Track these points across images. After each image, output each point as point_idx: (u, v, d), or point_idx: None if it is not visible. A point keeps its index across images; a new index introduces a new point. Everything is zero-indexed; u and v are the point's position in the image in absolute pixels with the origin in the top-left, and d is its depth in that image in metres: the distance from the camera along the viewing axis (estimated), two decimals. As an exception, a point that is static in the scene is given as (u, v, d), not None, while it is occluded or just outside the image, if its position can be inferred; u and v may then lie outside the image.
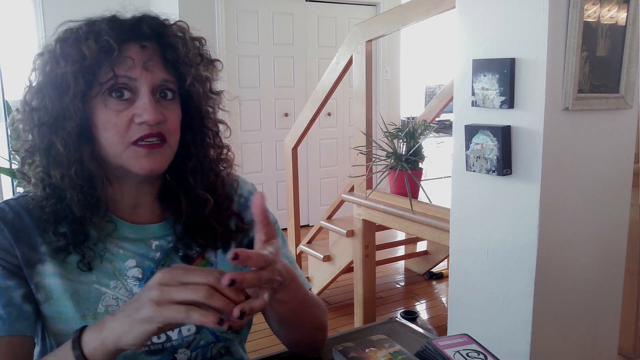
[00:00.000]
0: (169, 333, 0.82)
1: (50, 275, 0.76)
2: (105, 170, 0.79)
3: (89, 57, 0.72)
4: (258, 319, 0.94)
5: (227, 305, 0.58)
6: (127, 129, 0.75)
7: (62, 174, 0.75)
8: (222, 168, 0.90)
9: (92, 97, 0.75)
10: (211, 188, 0.86)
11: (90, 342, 0.63)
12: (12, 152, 0.84)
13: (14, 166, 3.18)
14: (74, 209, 0.76)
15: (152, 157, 0.76)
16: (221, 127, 0.89)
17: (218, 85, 0.88)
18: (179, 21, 0.81)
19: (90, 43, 0.72)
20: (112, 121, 0.74)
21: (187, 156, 0.84)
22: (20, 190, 0.83)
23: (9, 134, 3.15)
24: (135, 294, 0.80)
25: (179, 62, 0.78)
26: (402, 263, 3.86)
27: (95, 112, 0.75)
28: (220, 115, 0.89)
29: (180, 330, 0.82)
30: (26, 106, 0.77)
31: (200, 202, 0.85)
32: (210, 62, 0.84)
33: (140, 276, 0.82)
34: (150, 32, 0.76)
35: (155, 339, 0.80)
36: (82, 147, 0.76)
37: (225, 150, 0.90)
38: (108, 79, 0.73)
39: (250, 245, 0.93)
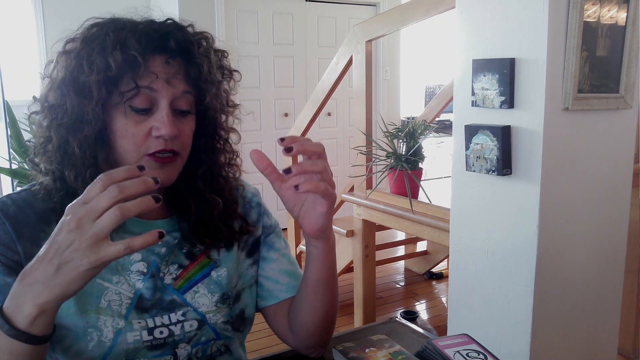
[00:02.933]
0: (171, 328, 0.82)
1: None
2: None
3: (114, 69, 0.73)
4: (259, 319, 0.95)
5: (144, 183, 0.59)
6: (145, 140, 0.76)
7: (76, 174, 0.76)
8: (231, 174, 0.92)
9: (112, 105, 0.75)
10: (219, 192, 0.88)
11: (20, 314, 0.60)
12: (27, 142, 0.85)
13: (14, 166, 3.18)
14: None
15: (163, 171, 0.78)
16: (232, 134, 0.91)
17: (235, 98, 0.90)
18: (204, 32, 0.82)
19: (117, 55, 0.73)
20: (131, 131, 0.75)
21: (198, 162, 0.86)
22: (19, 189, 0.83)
23: (9, 134, 3.15)
24: (138, 289, 0.81)
25: (201, 80, 0.79)
26: (402, 263, 3.86)
27: (114, 119, 0.76)
28: (231, 121, 0.91)
29: (183, 326, 0.83)
30: (45, 102, 0.77)
31: (209, 205, 0.86)
32: (230, 74, 0.86)
33: (145, 270, 0.82)
34: (177, 47, 0.77)
35: (157, 334, 0.81)
36: (98, 152, 0.76)
37: (234, 156, 0.92)
38: (130, 89, 0.74)
39: (255, 245, 0.95)
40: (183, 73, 0.78)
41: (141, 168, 0.61)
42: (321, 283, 0.85)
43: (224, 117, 0.88)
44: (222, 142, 0.89)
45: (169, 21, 0.79)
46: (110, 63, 0.72)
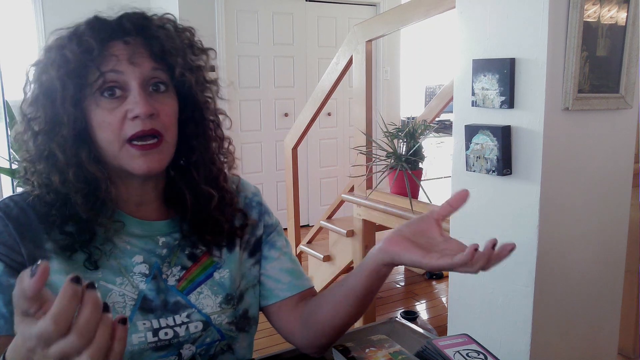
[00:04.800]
0: (176, 329, 0.82)
1: (55, 273, 0.76)
2: (108, 170, 0.79)
3: (73, 60, 0.72)
4: (261, 319, 0.94)
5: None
6: (122, 126, 0.75)
7: (61, 179, 0.75)
8: (224, 160, 0.90)
9: (84, 99, 0.75)
10: (214, 182, 0.87)
11: None
12: (15, 162, 0.86)
13: (14, 166, 3.18)
14: (79, 211, 0.76)
15: (148, 157, 0.76)
16: (221, 118, 0.89)
17: (220, 81, 0.88)
18: (166, 14, 0.81)
19: (72, 46, 0.73)
20: (107, 120, 0.74)
21: (189, 150, 0.84)
22: (20, 190, 0.83)
23: (9, 134, 3.16)
24: (141, 290, 0.81)
25: (165, 53, 0.77)
26: (402, 263, 3.86)
27: (89, 114, 0.75)
28: (220, 106, 0.89)
29: (187, 327, 0.83)
30: (24, 117, 0.77)
31: (205, 197, 0.85)
32: (202, 51, 0.84)
33: (147, 272, 0.82)
34: (133, 27, 0.76)
35: (162, 335, 0.81)
36: (80, 151, 0.75)
37: (226, 143, 0.89)
38: (95, 78, 0.73)
39: (257, 244, 0.94)
40: (146, 51, 0.76)
41: (77, 279, 0.46)
42: (366, 298, 0.81)
43: (208, 99, 0.85)
44: (212, 127, 0.86)
45: (121, 12, 0.78)
46: (67, 55, 0.72)
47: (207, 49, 0.85)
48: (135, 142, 0.75)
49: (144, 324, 0.80)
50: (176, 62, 0.77)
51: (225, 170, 0.90)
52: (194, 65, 0.81)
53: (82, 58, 0.73)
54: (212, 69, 0.86)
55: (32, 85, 0.76)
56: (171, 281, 0.83)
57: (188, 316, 0.83)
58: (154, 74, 0.77)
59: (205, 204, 0.85)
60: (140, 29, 0.77)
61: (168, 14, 0.81)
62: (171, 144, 0.79)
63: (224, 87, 0.90)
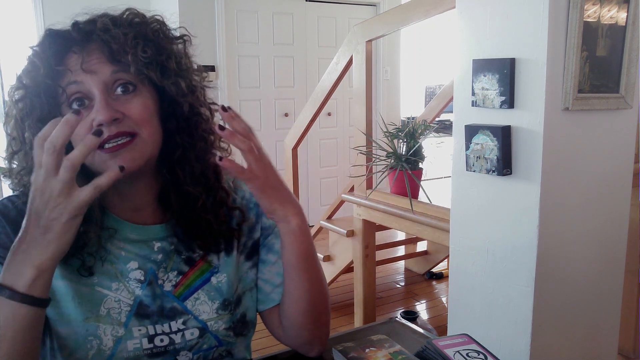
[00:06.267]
0: (172, 336, 0.81)
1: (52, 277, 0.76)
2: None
3: (38, 83, 0.73)
4: (259, 320, 0.94)
5: (66, 122, 0.63)
6: (87, 133, 0.72)
7: None
8: (214, 155, 0.84)
9: (60, 115, 0.73)
10: (202, 180, 0.83)
11: (21, 279, 0.65)
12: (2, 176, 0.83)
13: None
14: None
15: (119, 157, 0.73)
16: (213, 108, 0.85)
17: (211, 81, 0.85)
18: (128, 9, 0.78)
19: (35, 67, 0.73)
20: (76, 131, 0.70)
21: (174, 146, 0.81)
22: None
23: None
24: (137, 295, 0.80)
25: (116, 53, 0.74)
26: (402, 263, 3.86)
27: None
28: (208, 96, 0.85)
29: (183, 334, 0.82)
30: (7, 136, 0.78)
31: (190, 197, 0.82)
32: (169, 41, 0.79)
33: (142, 278, 0.81)
34: (79, 35, 0.75)
35: (158, 342, 0.80)
36: None
37: (212, 137, 0.84)
38: (60, 95, 0.74)
39: (254, 247, 0.92)
40: (104, 55, 0.74)
41: (77, 112, 0.64)
42: (294, 269, 0.83)
43: (184, 88, 0.79)
44: (196, 121, 0.81)
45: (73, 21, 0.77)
46: (35, 78, 0.73)
47: (177, 37, 0.81)
48: (105, 146, 0.72)
49: (140, 330, 0.79)
50: (129, 60, 0.74)
51: (215, 166, 0.85)
52: (157, 58, 0.76)
53: (43, 78, 0.73)
54: (187, 55, 0.81)
55: (12, 107, 0.76)
56: (167, 287, 0.83)
57: (184, 323, 0.82)
58: (116, 76, 0.74)
59: (192, 204, 0.82)
60: (87, 35, 0.75)
61: (130, 9, 0.78)
62: (148, 141, 0.76)
63: (224, 89, 0.87)
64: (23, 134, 0.75)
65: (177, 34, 0.82)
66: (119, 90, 0.75)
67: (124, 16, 0.77)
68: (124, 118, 0.73)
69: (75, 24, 0.75)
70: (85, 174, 0.72)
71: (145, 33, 0.77)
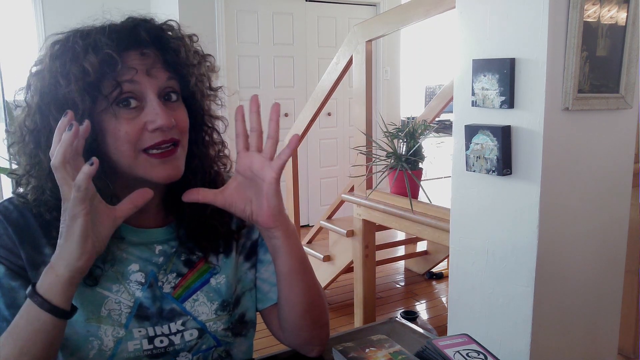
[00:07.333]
0: (171, 337, 0.82)
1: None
2: (114, 185, 0.76)
3: (92, 73, 0.70)
4: (259, 320, 0.94)
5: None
6: (139, 136, 0.74)
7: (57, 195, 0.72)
8: (222, 165, 0.90)
9: (99, 111, 0.73)
10: (212, 186, 0.84)
11: (45, 284, 0.68)
12: (9, 174, 0.82)
13: (14, 166, 3.18)
14: None
15: (167, 164, 0.75)
16: (221, 124, 0.89)
17: (218, 82, 0.88)
18: (170, 20, 0.80)
19: (91, 58, 0.71)
20: (124, 129, 0.73)
21: (190, 156, 0.83)
22: (20, 190, 0.81)
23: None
24: (137, 297, 0.81)
25: (180, 64, 0.77)
26: (402, 263, 3.86)
27: (103, 125, 0.73)
28: (217, 110, 0.89)
29: (183, 335, 0.82)
30: (24, 129, 0.75)
31: (202, 202, 0.83)
32: (204, 58, 0.84)
33: (143, 280, 0.81)
34: (148, 37, 0.75)
35: (157, 343, 0.81)
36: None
37: (222, 147, 0.90)
38: (112, 89, 0.72)
39: (253, 248, 0.93)
40: (161, 62, 0.76)
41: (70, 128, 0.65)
42: (293, 274, 0.83)
43: (207, 103, 0.85)
44: (209, 132, 0.87)
45: (129, 18, 0.77)
46: (87, 68, 0.70)
47: (208, 55, 0.85)
48: (152, 151, 0.74)
49: (140, 331, 0.80)
50: (191, 73, 0.78)
51: (223, 173, 0.90)
52: (203, 74, 0.82)
53: (103, 70, 0.71)
54: (214, 70, 0.86)
55: (35, 96, 0.74)
56: (167, 288, 0.83)
57: (183, 324, 0.83)
58: (168, 84, 0.77)
59: (202, 209, 0.84)
60: (155, 39, 0.76)
61: (172, 20, 0.80)
62: (185, 150, 0.79)
63: (224, 89, 0.89)
64: (47, 120, 0.72)
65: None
66: (168, 97, 0.77)
67: (175, 26, 0.80)
68: (176, 125, 0.76)
69: (141, 24, 0.75)
70: (104, 176, 0.74)
71: (197, 50, 0.82)
